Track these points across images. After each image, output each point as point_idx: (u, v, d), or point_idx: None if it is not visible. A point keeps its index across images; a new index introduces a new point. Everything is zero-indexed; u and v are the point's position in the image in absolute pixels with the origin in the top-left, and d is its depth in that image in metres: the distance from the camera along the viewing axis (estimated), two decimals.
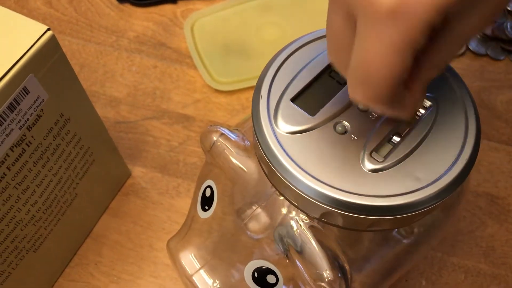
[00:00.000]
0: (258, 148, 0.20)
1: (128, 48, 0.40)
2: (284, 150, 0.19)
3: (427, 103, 0.21)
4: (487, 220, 0.33)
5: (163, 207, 0.34)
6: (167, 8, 0.42)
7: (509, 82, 0.38)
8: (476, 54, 0.39)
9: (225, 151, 0.24)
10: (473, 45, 0.40)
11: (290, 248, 0.22)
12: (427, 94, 0.21)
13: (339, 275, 0.20)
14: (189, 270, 0.24)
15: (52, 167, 0.26)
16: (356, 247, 0.23)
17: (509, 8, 0.40)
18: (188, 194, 0.34)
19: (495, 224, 0.33)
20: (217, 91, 0.38)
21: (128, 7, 0.42)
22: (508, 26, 0.39)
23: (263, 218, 0.24)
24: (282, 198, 0.23)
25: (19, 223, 0.25)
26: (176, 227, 0.33)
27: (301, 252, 0.21)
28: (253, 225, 0.24)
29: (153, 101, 0.38)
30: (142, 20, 0.41)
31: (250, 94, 0.37)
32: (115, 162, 0.33)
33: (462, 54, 0.39)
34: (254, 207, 0.25)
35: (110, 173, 0.32)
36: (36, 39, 0.21)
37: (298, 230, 0.22)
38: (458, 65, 0.39)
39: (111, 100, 0.38)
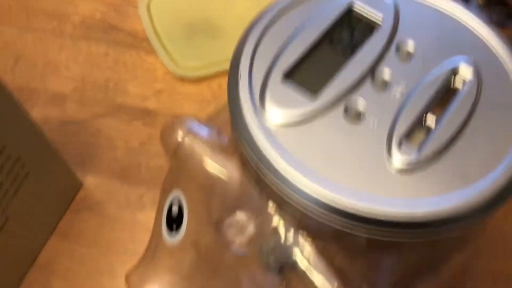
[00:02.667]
0: (240, 147, 0.14)
1: (73, 34, 0.34)
2: (277, 150, 0.14)
3: (467, 72, 0.15)
4: None
5: (125, 224, 0.28)
6: None
7: None
8: None
9: (195, 153, 0.18)
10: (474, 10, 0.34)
11: (288, 269, 0.17)
12: (464, 61, 0.15)
13: None
14: None
15: None
16: (375, 270, 0.17)
17: None
18: (154, 206, 0.28)
19: None
20: (182, 79, 0.32)
21: None
22: None
23: (249, 227, 0.19)
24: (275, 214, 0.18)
25: None
26: (142, 247, 0.27)
27: (304, 279, 0.16)
28: (235, 236, 0.19)
29: (105, 96, 0.31)
30: (88, 1, 0.35)
31: (222, 80, 0.32)
32: (59, 173, 0.26)
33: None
34: (238, 216, 0.19)
35: (53, 186, 0.26)
36: None
37: (301, 251, 0.16)
38: None
39: (55, 97, 0.31)
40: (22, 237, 0.25)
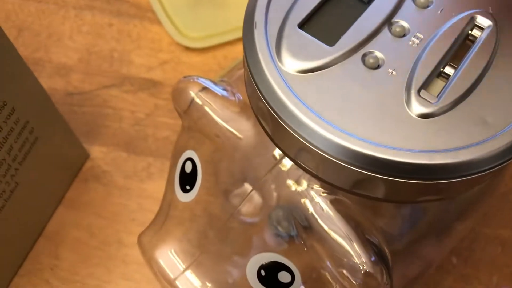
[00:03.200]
0: (256, 96, 0.14)
1: (76, 4, 0.33)
2: (296, 95, 0.13)
3: (486, 22, 0.15)
4: None
5: (132, 193, 0.28)
6: None
7: None
8: None
9: (209, 110, 0.18)
10: None
11: (302, 231, 0.17)
12: (483, 9, 0.15)
13: (379, 264, 0.15)
14: (171, 273, 0.18)
15: None
16: (391, 225, 0.17)
17: None
18: (162, 174, 0.28)
19: None
20: (187, 49, 0.31)
21: None
22: None
23: (257, 196, 0.18)
24: (287, 168, 0.18)
25: None
26: (150, 216, 0.27)
27: (321, 238, 0.16)
28: (245, 207, 0.19)
29: (110, 66, 0.31)
30: None
31: (228, 51, 0.31)
32: (67, 141, 0.26)
33: None
34: (245, 184, 0.19)
35: (61, 155, 0.26)
36: None
37: (314, 208, 0.16)
38: None
39: (60, 68, 0.31)
40: (31, 205, 0.25)
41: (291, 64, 0.14)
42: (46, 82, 0.30)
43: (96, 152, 0.29)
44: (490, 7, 0.15)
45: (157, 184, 0.28)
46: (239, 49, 0.31)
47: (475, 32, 0.15)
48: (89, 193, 0.28)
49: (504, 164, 0.13)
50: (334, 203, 0.16)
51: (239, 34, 0.31)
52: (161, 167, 0.28)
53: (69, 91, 0.30)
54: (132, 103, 0.30)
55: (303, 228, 0.17)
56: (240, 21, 0.33)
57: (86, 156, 0.28)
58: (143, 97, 0.30)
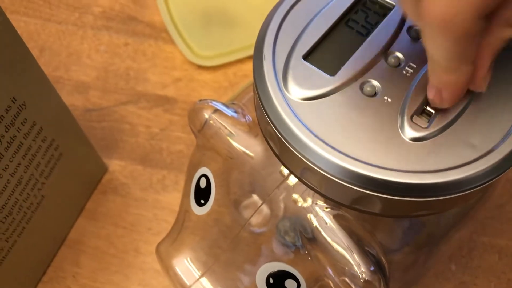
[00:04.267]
0: (265, 121, 0.16)
1: (94, 25, 0.35)
2: (300, 121, 0.15)
3: None
4: None
5: (148, 204, 0.29)
6: None
7: None
8: None
9: (221, 130, 0.19)
10: None
11: (307, 242, 0.18)
12: None
13: (377, 273, 0.16)
14: (187, 280, 0.20)
15: (7, 165, 0.21)
16: (389, 237, 0.19)
17: None
18: (176, 187, 0.30)
19: None
20: (199, 67, 0.33)
21: None
22: None
23: (265, 208, 0.20)
24: (293, 184, 0.19)
25: None
26: (165, 226, 0.29)
27: (324, 249, 0.17)
28: (255, 218, 0.20)
29: (127, 84, 0.33)
30: None
31: (238, 69, 0.33)
32: (87, 156, 0.28)
33: None
34: (254, 196, 0.20)
35: (82, 169, 0.28)
36: None
37: (319, 222, 0.17)
38: None
39: (79, 85, 0.33)
40: (54, 216, 0.26)
41: (296, 92, 0.16)
42: (66, 99, 0.32)
43: (114, 165, 0.30)
44: None
45: (171, 195, 0.30)
46: (247, 66, 0.33)
47: None
48: (107, 204, 0.29)
49: (489, 182, 0.15)
50: (337, 217, 0.17)
51: (248, 52, 0.33)
52: (175, 180, 0.30)
53: (88, 107, 0.32)
54: (148, 118, 0.32)
55: (308, 239, 0.18)
56: (248, 41, 0.35)
57: (105, 170, 0.30)
58: (158, 113, 0.32)
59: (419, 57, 0.16)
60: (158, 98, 0.32)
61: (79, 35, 0.35)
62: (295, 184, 0.19)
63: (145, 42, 0.34)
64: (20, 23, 0.35)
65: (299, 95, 0.15)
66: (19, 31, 0.20)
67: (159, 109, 0.32)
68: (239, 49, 0.33)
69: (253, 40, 0.17)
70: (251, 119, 0.19)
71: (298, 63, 0.16)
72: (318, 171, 0.15)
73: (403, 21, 0.17)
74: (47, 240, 0.27)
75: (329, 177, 0.15)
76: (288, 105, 0.15)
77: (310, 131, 0.15)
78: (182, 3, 0.34)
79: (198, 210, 0.20)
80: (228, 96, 0.32)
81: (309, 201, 0.18)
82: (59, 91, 0.24)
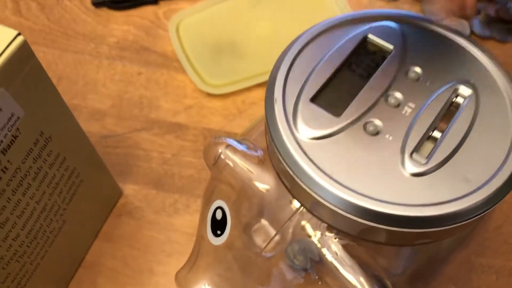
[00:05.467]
0: (276, 158, 0.17)
1: (108, 55, 0.37)
2: (310, 159, 0.17)
3: (467, 92, 0.18)
4: None
5: (161, 227, 0.31)
6: (148, 10, 0.39)
7: None
8: (481, 37, 0.37)
9: (232, 164, 0.21)
10: (477, 28, 0.37)
11: (315, 266, 0.19)
12: (464, 81, 0.18)
13: None
14: None
15: (34, 193, 0.23)
16: (392, 262, 0.20)
17: None
18: (187, 210, 0.31)
19: None
20: (209, 95, 0.35)
21: (105, 11, 0.39)
22: None
23: (273, 233, 0.21)
24: (303, 213, 0.21)
25: None
26: (177, 247, 0.30)
27: (332, 273, 0.19)
28: (262, 240, 0.22)
29: (140, 111, 0.34)
30: (122, 24, 0.38)
31: (246, 96, 0.34)
32: (104, 181, 0.29)
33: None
34: (263, 221, 0.22)
35: (100, 194, 0.29)
36: (4, 46, 0.17)
37: (327, 249, 0.19)
38: None
39: (95, 113, 0.34)
40: (73, 239, 0.28)
41: (305, 132, 0.17)
42: (83, 126, 0.33)
43: (129, 189, 0.32)
44: (470, 79, 0.18)
45: (183, 218, 0.31)
46: (255, 94, 0.35)
47: (459, 100, 0.18)
48: (123, 227, 0.31)
49: (483, 213, 0.16)
50: (344, 245, 0.19)
51: (256, 81, 0.34)
52: (186, 203, 0.31)
53: (104, 134, 0.34)
54: (160, 144, 0.33)
55: (316, 263, 0.19)
56: (256, 70, 0.37)
57: (120, 194, 0.31)
58: (170, 139, 0.33)
59: (417, 97, 0.18)
60: (170, 124, 0.34)
61: (94, 64, 0.36)
62: (305, 213, 0.20)
63: (158, 71, 0.36)
64: (39, 54, 0.36)
65: (308, 135, 0.17)
66: None
67: (171, 136, 0.34)
68: (247, 78, 0.34)
69: (260, 70, 0.18)
70: (262, 152, 0.21)
71: (306, 105, 0.18)
72: (326, 205, 0.16)
73: (401, 64, 0.18)
74: (67, 262, 0.28)
75: (336, 211, 0.16)
76: (298, 145, 0.17)
77: (319, 168, 0.16)
78: (193, 34, 0.36)
79: (215, 241, 0.22)
80: (236, 122, 0.34)
81: (318, 231, 0.19)
82: (77, 119, 0.25)
